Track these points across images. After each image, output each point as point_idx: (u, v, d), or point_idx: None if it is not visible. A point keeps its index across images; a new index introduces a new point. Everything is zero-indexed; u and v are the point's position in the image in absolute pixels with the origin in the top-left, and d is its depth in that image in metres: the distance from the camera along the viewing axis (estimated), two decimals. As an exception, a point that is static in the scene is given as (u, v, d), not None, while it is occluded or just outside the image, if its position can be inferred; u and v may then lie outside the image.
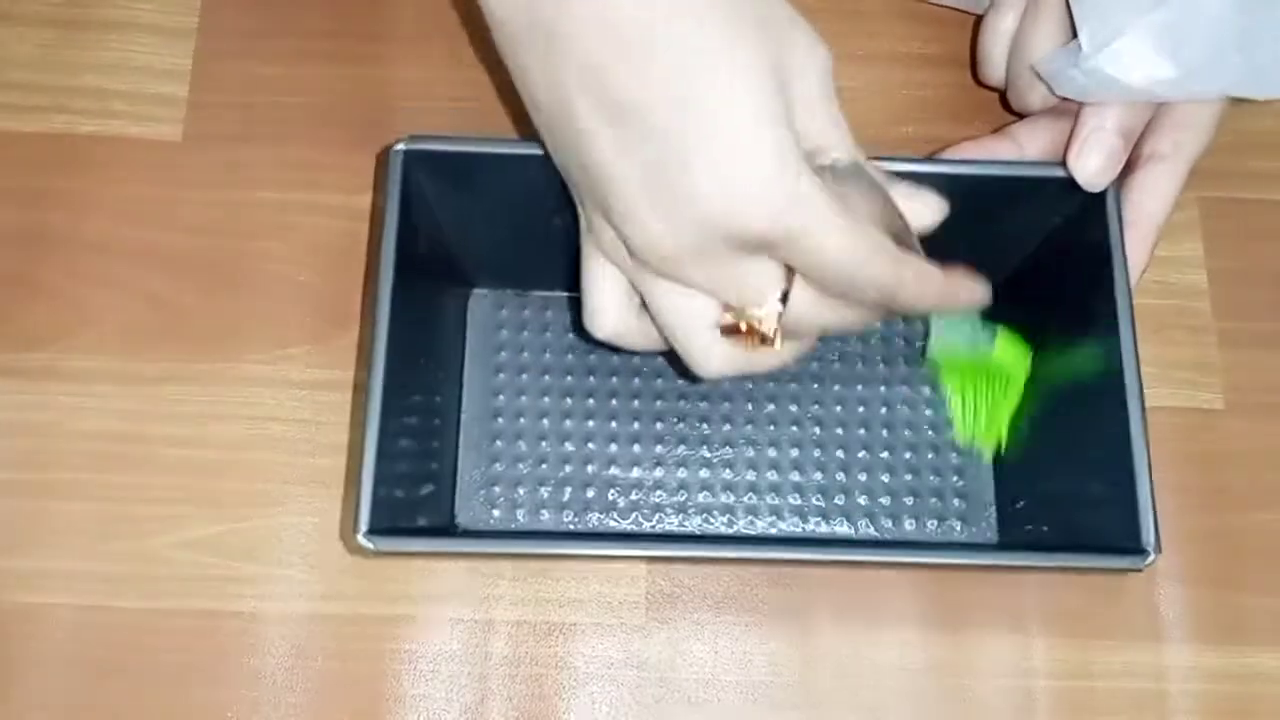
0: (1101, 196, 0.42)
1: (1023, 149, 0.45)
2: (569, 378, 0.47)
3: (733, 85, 0.33)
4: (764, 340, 0.37)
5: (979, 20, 0.48)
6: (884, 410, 0.47)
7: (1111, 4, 0.41)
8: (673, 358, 0.39)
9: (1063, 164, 0.42)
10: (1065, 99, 0.44)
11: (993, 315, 0.48)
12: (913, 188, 0.38)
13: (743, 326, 0.36)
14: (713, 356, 0.37)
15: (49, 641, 0.44)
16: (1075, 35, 0.42)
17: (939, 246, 0.45)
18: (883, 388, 0.47)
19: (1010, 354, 0.45)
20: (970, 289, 0.39)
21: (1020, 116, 0.47)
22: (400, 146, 0.41)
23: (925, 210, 0.38)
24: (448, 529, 0.45)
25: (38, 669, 0.44)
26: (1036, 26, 0.45)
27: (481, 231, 0.45)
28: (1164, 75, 0.41)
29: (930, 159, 0.45)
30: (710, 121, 0.33)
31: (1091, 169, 0.42)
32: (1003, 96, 0.49)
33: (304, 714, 0.43)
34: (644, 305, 0.38)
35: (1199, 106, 0.44)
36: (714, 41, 0.33)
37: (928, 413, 0.47)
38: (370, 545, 0.37)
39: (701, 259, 0.35)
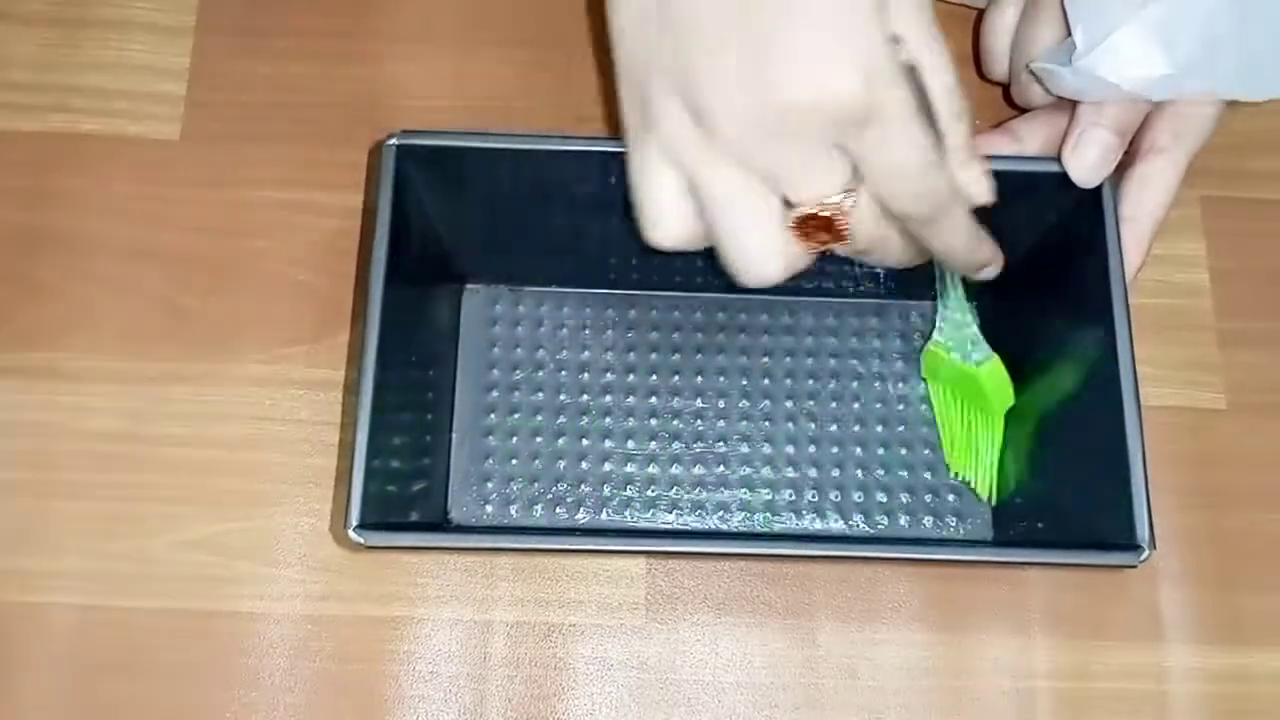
0: (1098, 192, 0.42)
1: (1022, 144, 0.45)
2: (562, 373, 0.47)
3: None
4: (836, 236, 0.36)
5: (980, 16, 0.48)
6: (879, 406, 0.47)
7: (1105, 2, 0.41)
8: (713, 266, 0.38)
9: (1058, 159, 0.42)
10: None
11: (990, 312, 0.48)
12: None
13: (818, 215, 0.36)
14: (774, 255, 0.37)
15: (49, 641, 0.44)
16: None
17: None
18: (878, 384, 0.47)
19: (996, 381, 0.45)
20: (995, 252, 0.41)
21: (1025, 112, 0.47)
22: (392, 141, 0.41)
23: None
24: (441, 525, 0.45)
25: (38, 669, 0.44)
26: (1036, 21, 0.45)
27: (474, 226, 0.45)
28: (1158, 72, 0.41)
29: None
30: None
31: (1085, 165, 0.41)
32: (1006, 91, 0.49)
33: (302, 714, 0.43)
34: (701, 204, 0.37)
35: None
36: None
37: (923, 409, 0.47)
38: (361, 540, 0.37)
39: (782, 136, 0.34)
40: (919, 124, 0.35)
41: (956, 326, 0.45)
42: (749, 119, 0.34)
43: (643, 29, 0.36)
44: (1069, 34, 0.42)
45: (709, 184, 0.36)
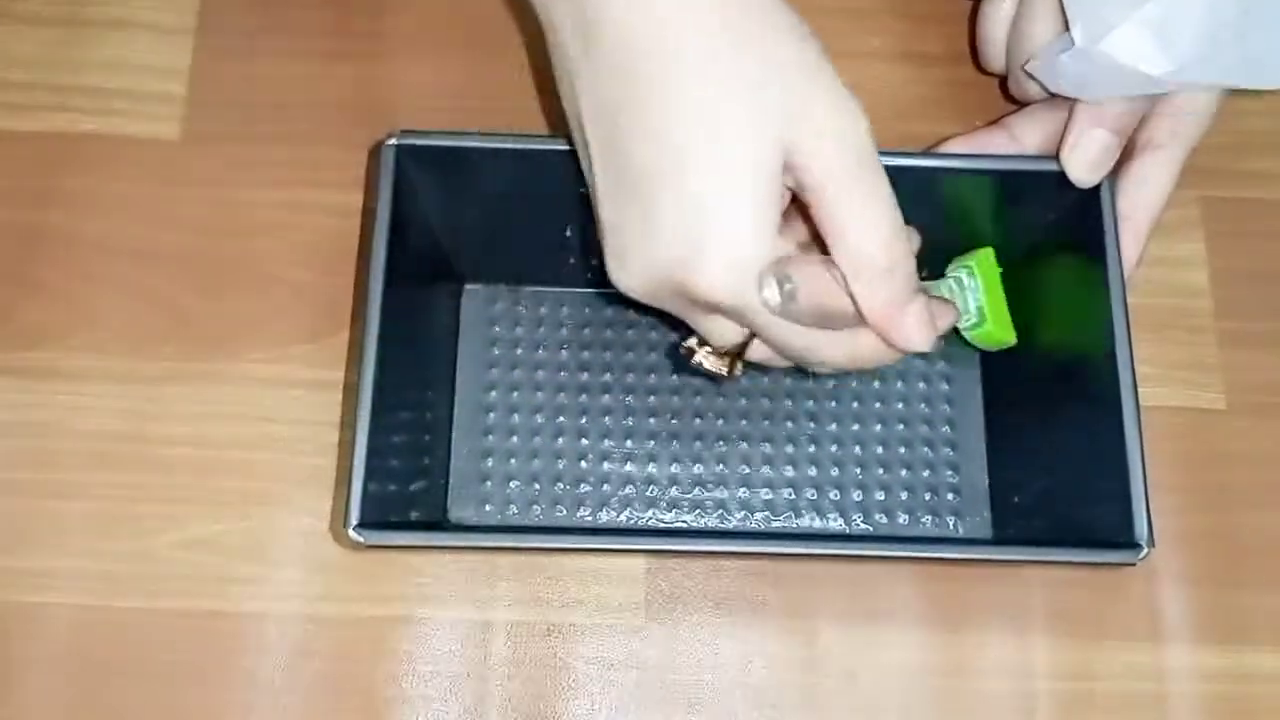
0: (1095, 192, 0.42)
1: (1019, 141, 0.45)
2: (562, 373, 0.47)
3: (728, 151, 0.34)
4: (714, 376, 0.38)
5: (976, 8, 0.48)
6: (879, 404, 0.47)
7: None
8: None
9: (1056, 158, 0.42)
10: None
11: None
12: None
13: (697, 359, 0.38)
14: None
15: (49, 641, 0.44)
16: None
17: (936, 243, 0.45)
18: (877, 383, 0.47)
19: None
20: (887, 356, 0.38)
21: (1021, 106, 0.47)
22: (392, 141, 0.41)
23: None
24: (440, 524, 0.45)
25: (38, 669, 0.44)
26: (1033, 13, 0.44)
27: (474, 226, 0.45)
28: (1158, 69, 0.41)
29: (925, 153, 0.45)
30: (694, 180, 0.34)
31: (1084, 165, 0.41)
32: (1003, 84, 0.49)
33: (302, 715, 0.43)
34: None
35: (1198, 93, 0.43)
36: (720, 94, 0.34)
37: (922, 406, 0.47)
38: (360, 539, 0.37)
39: (664, 299, 0.36)
40: (786, 321, 0.35)
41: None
42: (628, 282, 0.36)
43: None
44: (1066, 27, 0.42)
45: None
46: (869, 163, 0.35)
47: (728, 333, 0.37)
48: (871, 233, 0.35)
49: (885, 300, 0.35)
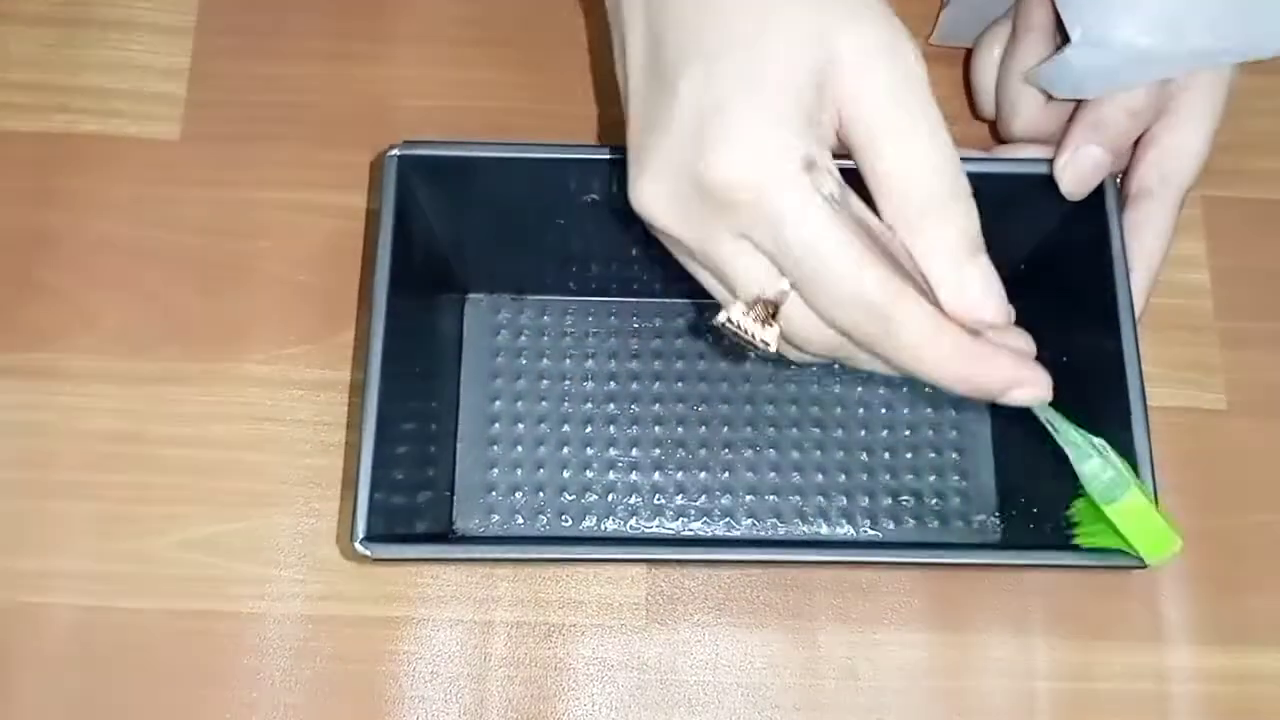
0: (1100, 193, 0.41)
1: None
2: (566, 382, 0.47)
3: (767, 37, 0.31)
4: (748, 345, 0.33)
5: (969, 55, 0.48)
6: (884, 410, 0.47)
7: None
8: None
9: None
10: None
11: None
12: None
13: (727, 317, 0.33)
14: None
15: (49, 641, 0.44)
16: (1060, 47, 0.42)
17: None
18: (882, 388, 0.47)
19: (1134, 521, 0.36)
20: (1017, 371, 0.32)
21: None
22: (394, 151, 0.40)
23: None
24: (446, 534, 0.45)
25: (38, 669, 0.44)
26: (1017, 52, 0.45)
27: (477, 236, 0.44)
28: (1163, 45, 0.40)
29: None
30: (724, 64, 0.31)
31: (1077, 180, 0.41)
32: (993, 129, 0.48)
33: (302, 715, 0.43)
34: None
35: (1187, 136, 0.42)
36: None
37: (928, 411, 0.47)
38: (368, 553, 0.37)
39: (684, 213, 0.32)
40: (831, 229, 0.30)
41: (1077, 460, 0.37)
42: (647, 197, 0.32)
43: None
44: (1057, 49, 0.42)
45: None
46: (921, 87, 0.31)
47: (756, 271, 0.31)
48: (927, 160, 0.31)
49: (946, 243, 0.31)
